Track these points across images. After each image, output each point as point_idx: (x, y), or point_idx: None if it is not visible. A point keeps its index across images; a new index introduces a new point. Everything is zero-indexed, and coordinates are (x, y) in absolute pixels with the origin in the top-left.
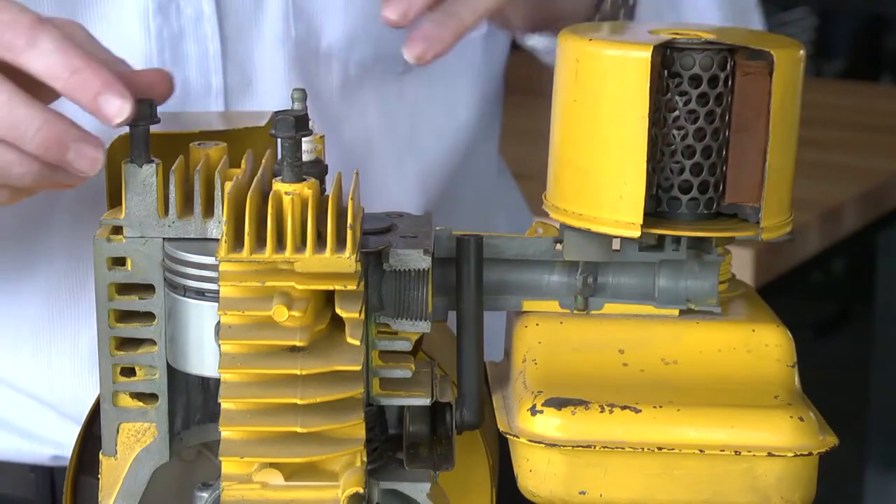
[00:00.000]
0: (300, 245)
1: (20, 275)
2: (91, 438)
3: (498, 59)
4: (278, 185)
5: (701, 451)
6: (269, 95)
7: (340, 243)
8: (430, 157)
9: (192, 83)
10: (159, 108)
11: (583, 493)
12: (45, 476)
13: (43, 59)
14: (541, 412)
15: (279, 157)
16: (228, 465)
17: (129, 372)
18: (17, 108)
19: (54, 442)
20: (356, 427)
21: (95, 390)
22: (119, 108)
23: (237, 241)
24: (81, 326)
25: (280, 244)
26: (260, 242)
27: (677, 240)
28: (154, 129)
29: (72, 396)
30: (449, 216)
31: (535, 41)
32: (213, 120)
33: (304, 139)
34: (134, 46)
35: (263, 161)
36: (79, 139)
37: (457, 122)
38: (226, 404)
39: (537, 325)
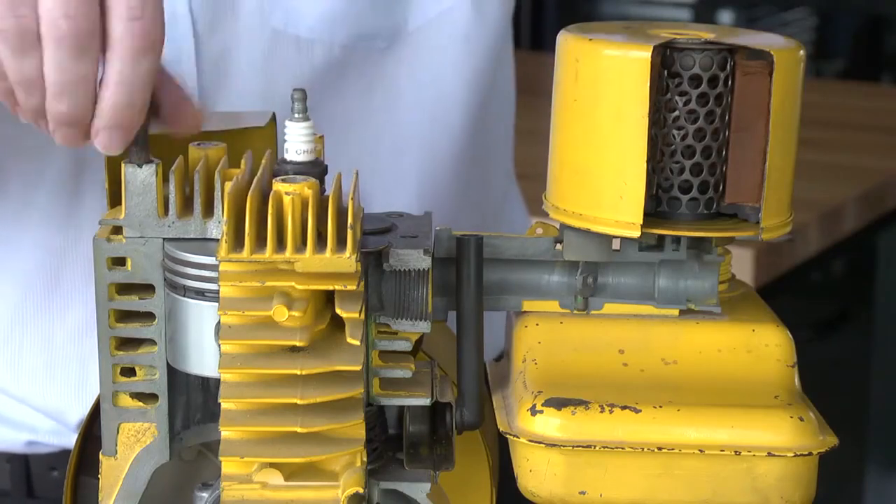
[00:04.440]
0: (300, 245)
1: None
2: (91, 438)
3: (490, 28)
4: (278, 186)
5: (701, 451)
6: (245, 90)
7: (340, 243)
8: (412, 137)
9: (215, 97)
10: None
11: (583, 493)
12: (21, 465)
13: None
14: (541, 412)
15: (279, 156)
16: (228, 465)
17: (129, 372)
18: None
19: (29, 427)
20: (356, 427)
21: (67, 387)
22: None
23: (237, 242)
24: (55, 323)
25: (280, 244)
26: (260, 242)
27: (677, 240)
28: (154, 129)
29: (41, 390)
30: (443, 210)
31: None
32: (212, 120)
33: (304, 133)
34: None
35: (263, 161)
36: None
37: (444, 99)
38: (226, 404)
39: (537, 325)
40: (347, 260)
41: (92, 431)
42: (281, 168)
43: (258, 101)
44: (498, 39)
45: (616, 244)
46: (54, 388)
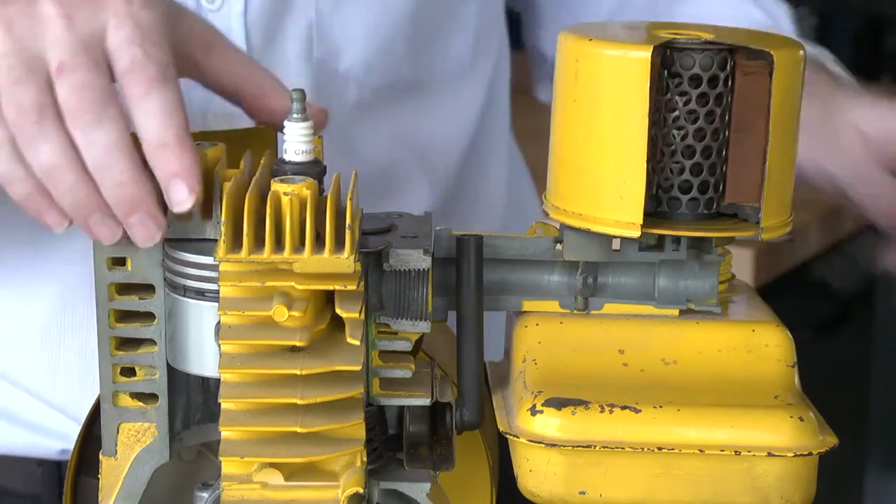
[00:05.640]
0: (298, 245)
1: (35, 274)
2: (91, 438)
3: (492, 56)
4: (277, 186)
5: (701, 451)
6: None
7: (339, 244)
8: (442, 166)
9: (215, 98)
10: None
11: (583, 493)
12: (53, 470)
13: (143, 117)
14: (541, 412)
15: (278, 156)
16: (228, 465)
17: (129, 372)
18: (113, 154)
19: (61, 435)
20: (356, 427)
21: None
22: (182, 200)
23: (235, 242)
24: (92, 333)
25: (278, 245)
26: (258, 243)
27: (677, 240)
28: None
29: (77, 398)
30: (463, 218)
31: None
32: (214, 120)
33: (303, 133)
34: None
35: (262, 160)
36: (148, 211)
37: (465, 126)
38: (226, 404)
39: (537, 325)
40: (346, 261)
41: (92, 431)
42: (280, 168)
43: None
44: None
45: (616, 244)
46: (89, 398)
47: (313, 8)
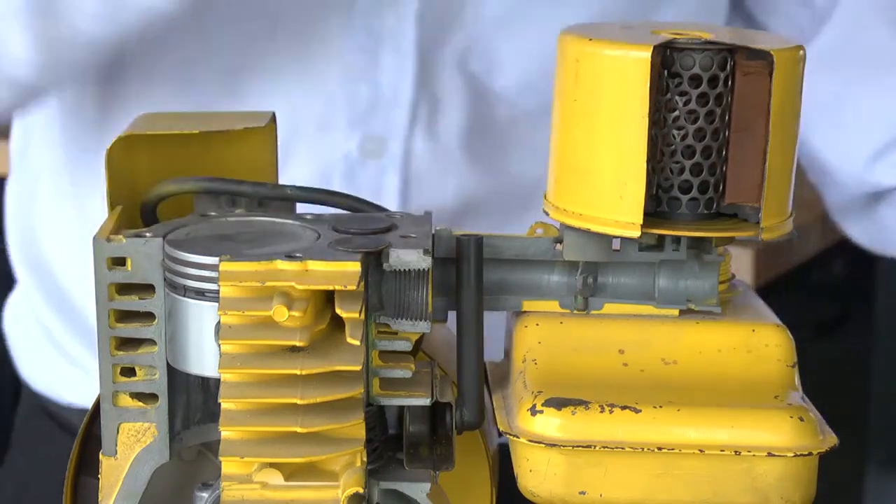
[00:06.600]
0: None
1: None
2: (91, 438)
3: None
4: None
5: (701, 451)
6: (450, 119)
7: None
8: None
9: (384, 91)
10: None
11: (583, 493)
12: None
13: None
14: (541, 412)
15: None
16: (228, 465)
17: (129, 372)
18: None
19: None
20: (356, 427)
21: None
22: None
23: None
24: None
25: None
26: None
27: (677, 240)
28: (155, 129)
29: None
30: None
31: None
32: (212, 120)
33: None
34: (332, 41)
35: None
36: None
37: None
38: (226, 404)
39: (537, 325)
40: (352, 264)
41: (92, 431)
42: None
43: (462, 136)
44: None
45: (616, 244)
46: None
47: (479, 22)
